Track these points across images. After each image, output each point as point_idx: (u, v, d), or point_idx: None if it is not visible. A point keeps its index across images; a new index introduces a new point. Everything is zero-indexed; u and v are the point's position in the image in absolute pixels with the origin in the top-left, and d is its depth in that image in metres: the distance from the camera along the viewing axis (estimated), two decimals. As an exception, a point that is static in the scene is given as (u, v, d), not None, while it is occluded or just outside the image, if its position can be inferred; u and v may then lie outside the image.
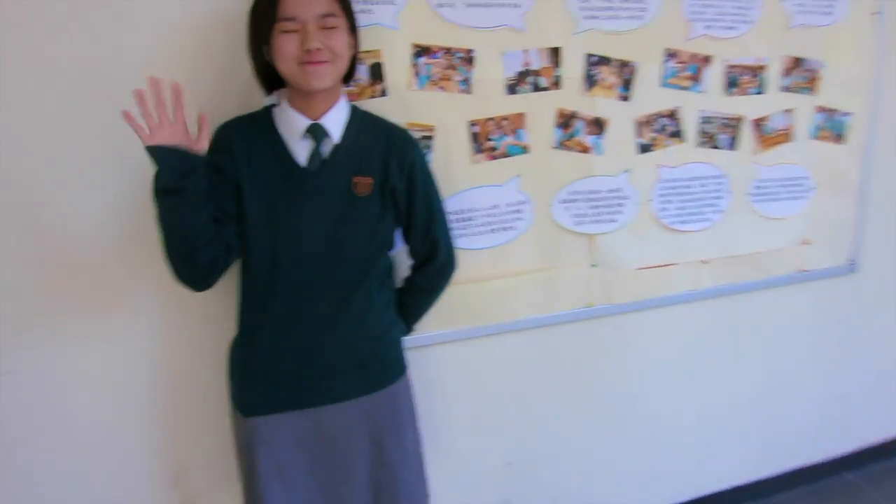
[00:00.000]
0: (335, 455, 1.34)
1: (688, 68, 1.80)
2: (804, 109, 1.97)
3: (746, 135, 1.91)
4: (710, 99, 1.84)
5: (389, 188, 1.36)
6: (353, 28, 1.32)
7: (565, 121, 1.70)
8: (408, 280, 1.51)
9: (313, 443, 1.33)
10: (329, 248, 1.31)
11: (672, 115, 1.81)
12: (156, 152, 1.13)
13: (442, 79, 1.57)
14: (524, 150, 1.68)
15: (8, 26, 1.27)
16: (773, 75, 1.90)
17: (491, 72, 1.61)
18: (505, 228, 1.70)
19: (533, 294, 1.76)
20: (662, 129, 1.80)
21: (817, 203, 2.04)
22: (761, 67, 1.88)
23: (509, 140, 1.66)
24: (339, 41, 1.27)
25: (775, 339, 2.12)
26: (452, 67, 1.58)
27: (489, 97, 1.62)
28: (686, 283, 1.91)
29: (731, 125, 1.88)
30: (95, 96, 1.33)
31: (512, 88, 1.63)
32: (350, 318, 1.34)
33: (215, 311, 1.47)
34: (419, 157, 1.41)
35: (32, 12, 1.28)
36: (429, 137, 1.59)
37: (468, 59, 1.58)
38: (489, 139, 1.64)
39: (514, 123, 1.66)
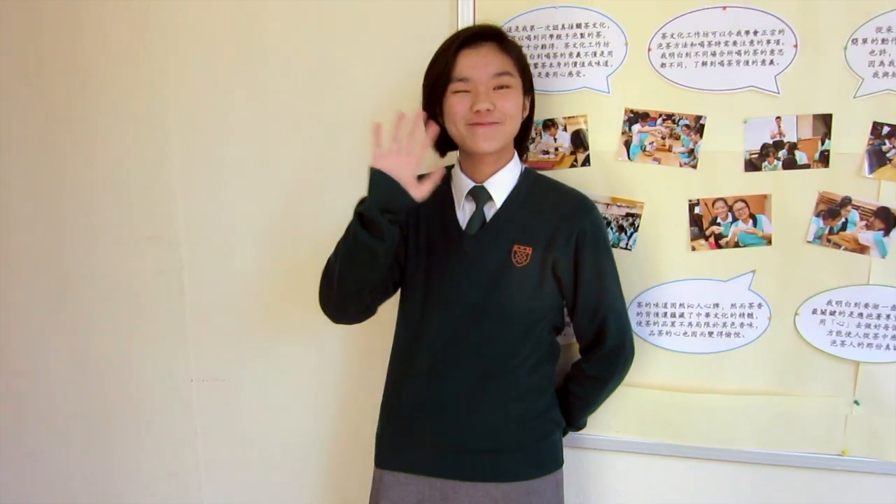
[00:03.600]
0: None
1: None
2: None
3: None
4: None
5: (552, 260, 1.22)
6: (528, 89, 1.24)
7: (831, 209, 1.30)
8: (574, 366, 1.33)
9: None
10: (477, 317, 1.24)
11: None
12: (376, 175, 1.12)
13: (659, 149, 1.35)
14: (764, 240, 1.33)
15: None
16: None
17: (726, 142, 1.32)
18: (728, 334, 1.37)
19: (760, 422, 1.37)
20: None
21: None
22: None
23: (743, 227, 1.34)
24: (511, 102, 1.20)
25: None
26: (674, 137, 1.34)
27: (720, 173, 1.33)
28: None
29: None
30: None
31: (754, 164, 1.32)
32: (492, 395, 1.24)
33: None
34: (592, 225, 1.24)
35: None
36: (634, 215, 1.37)
37: (697, 127, 1.33)
38: (716, 223, 1.34)
39: (753, 207, 1.33)
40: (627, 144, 1.36)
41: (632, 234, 1.38)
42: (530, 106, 1.27)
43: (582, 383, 1.32)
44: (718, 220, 1.35)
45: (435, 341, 1.26)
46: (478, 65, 1.19)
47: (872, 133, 1.27)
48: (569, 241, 1.23)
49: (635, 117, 1.35)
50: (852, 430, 1.34)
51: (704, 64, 1.31)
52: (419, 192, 1.14)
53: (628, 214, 1.37)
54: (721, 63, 1.30)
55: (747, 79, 1.30)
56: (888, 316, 1.31)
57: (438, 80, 1.21)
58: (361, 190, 1.19)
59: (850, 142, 1.28)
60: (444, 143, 1.30)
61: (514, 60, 1.21)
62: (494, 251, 1.24)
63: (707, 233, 1.35)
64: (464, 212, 1.27)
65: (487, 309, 1.24)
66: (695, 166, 1.34)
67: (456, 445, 1.25)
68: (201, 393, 1.63)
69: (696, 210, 1.35)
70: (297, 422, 1.63)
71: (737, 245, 1.34)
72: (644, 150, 1.36)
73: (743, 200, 1.33)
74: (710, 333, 1.38)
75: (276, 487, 1.67)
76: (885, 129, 1.26)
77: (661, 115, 1.34)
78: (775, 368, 1.36)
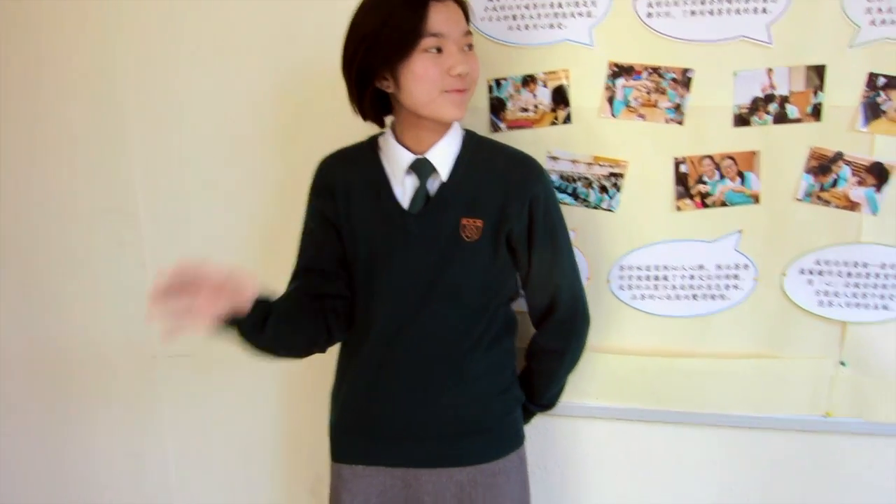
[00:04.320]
0: None
1: None
2: None
3: None
4: None
5: (506, 232, 1.15)
6: None
7: (822, 165, 1.24)
8: (530, 343, 1.27)
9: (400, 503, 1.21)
10: (428, 300, 1.15)
11: None
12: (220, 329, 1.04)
13: (644, 105, 1.27)
14: (752, 199, 1.28)
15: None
16: None
17: (715, 97, 1.25)
18: (712, 296, 1.32)
19: (745, 386, 1.34)
20: None
21: None
22: None
23: (731, 185, 1.28)
24: (478, 65, 1.11)
25: None
26: (660, 91, 1.26)
27: (708, 129, 1.26)
28: None
29: None
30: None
31: (743, 119, 1.25)
32: (449, 378, 1.17)
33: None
34: (544, 190, 1.17)
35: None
36: (618, 175, 1.30)
37: (683, 81, 1.25)
38: (702, 182, 1.28)
39: (742, 164, 1.27)
40: (611, 100, 1.28)
41: (614, 194, 1.31)
42: None
43: (539, 358, 1.27)
44: (705, 179, 1.28)
45: (385, 328, 1.17)
46: (451, 19, 1.07)
47: (868, 85, 1.20)
48: (522, 210, 1.14)
49: (619, 71, 1.27)
50: (838, 391, 1.32)
51: (693, 13, 1.22)
52: (237, 301, 1.02)
53: (611, 174, 1.30)
54: (710, 12, 1.22)
55: (738, 28, 1.21)
56: (877, 275, 1.27)
57: (404, 35, 1.04)
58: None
59: (843, 94, 1.21)
60: (382, 110, 1.17)
61: (467, 18, 1.12)
62: (442, 228, 1.14)
63: (693, 192, 1.29)
64: (404, 188, 1.16)
65: (438, 290, 1.15)
66: (681, 122, 1.26)
67: (415, 433, 1.19)
68: (166, 369, 1.56)
69: (682, 168, 1.28)
70: (267, 399, 1.56)
71: (723, 204, 1.29)
72: (628, 106, 1.28)
73: (731, 157, 1.27)
74: (695, 296, 1.33)
75: (247, 468, 1.61)
76: (881, 81, 1.20)
77: (646, 69, 1.26)
78: (761, 331, 1.32)
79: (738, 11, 1.21)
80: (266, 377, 1.55)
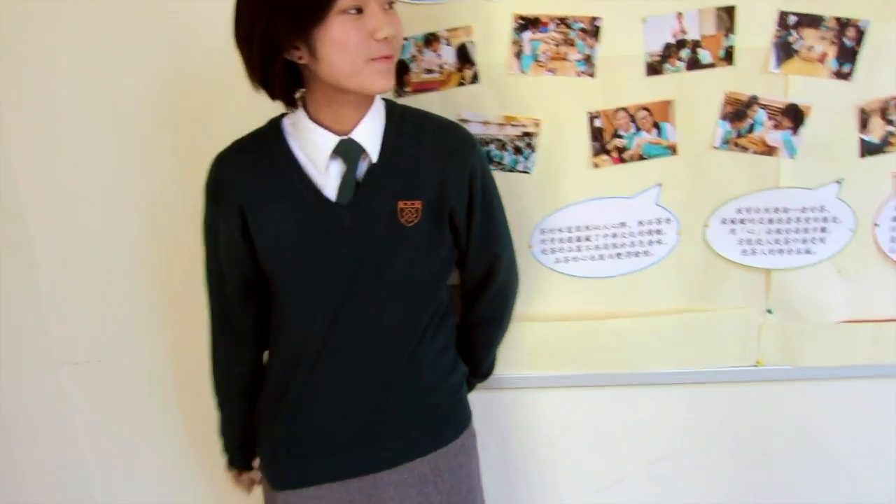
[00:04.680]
0: None
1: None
2: None
3: None
4: None
5: (448, 210, 1.05)
6: None
7: (738, 110, 1.21)
8: (465, 315, 1.21)
9: None
10: (371, 296, 1.04)
11: (926, 101, 1.18)
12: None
13: (553, 58, 1.21)
14: (669, 150, 1.23)
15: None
16: None
17: (625, 45, 1.19)
18: (636, 254, 1.29)
19: (675, 342, 1.32)
20: (906, 122, 1.19)
21: None
22: None
23: (647, 137, 1.23)
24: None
25: None
26: (569, 43, 1.20)
27: (621, 80, 1.20)
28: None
29: None
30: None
31: (655, 67, 1.19)
32: (401, 372, 1.08)
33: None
34: (480, 159, 1.08)
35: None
36: (530, 134, 1.24)
37: (592, 30, 1.19)
38: (618, 136, 1.23)
39: (657, 115, 1.22)
40: (518, 55, 1.21)
41: (529, 155, 1.25)
42: None
43: (478, 328, 1.21)
44: (620, 133, 1.23)
45: (327, 338, 1.05)
46: None
47: (779, 24, 1.16)
48: (462, 184, 1.05)
49: (525, 24, 1.20)
50: (766, 339, 1.31)
51: (597, -43, 1.16)
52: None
53: (524, 134, 1.24)
54: (615, -45, 1.16)
55: (635, -27, 1.16)
56: (798, 219, 1.25)
57: None
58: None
59: (755, 35, 1.17)
60: (292, 86, 0.99)
61: None
62: (378, 216, 1.01)
63: (609, 147, 1.24)
64: (327, 176, 1.01)
65: (383, 286, 1.04)
66: (593, 75, 1.20)
67: (371, 436, 1.09)
68: (75, 377, 1.45)
69: (597, 123, 1.23)
70: (193, 404, 1.46)
71: (641, 158, 1.24)
72: (537, 61, 1.21)
73: (646, 108, 1.22)
74: (619, 255, 1.29)
75: (177, 479, 1.53)
76: (793, 19, 1.16)
77: (553, 20, 1.19)
78: (687, 285, 1.30)
79: (642, -46, 1.16)
80: (189, 378, 1.47)
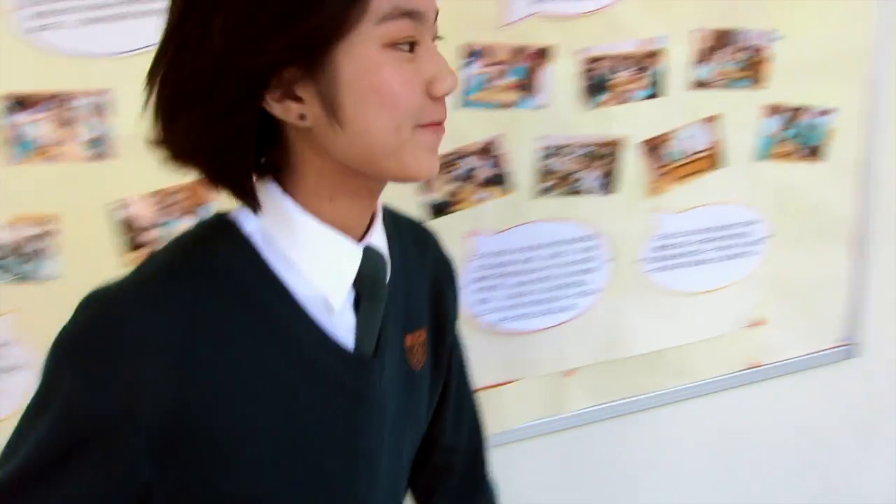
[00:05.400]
0: None
1: (508, 73, 1.10)
2: (742, 113, 1.21)
3: (633, 167, 1.18)
4: (556, 117, 1.13)
5: (448, 340, 0.75)
6: None
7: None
8: None
9: None
10: (396, 486, 0.70)
11: (486, 152, 1.12)
12: None
13: (57, 144, 1.00)
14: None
15: None
16: (678, 64, 1.16)
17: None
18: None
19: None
20: (468, 177, 1.13)
21: (775, 260, 1.28)
22: (652, 54, 1.14)
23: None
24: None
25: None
26: (72, 123, 1.00)
27: (145, 160, 1.02)
28: (537, 408, 1.23)
29: (602, 155, 1.17)
30: None
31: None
32: None
33: None
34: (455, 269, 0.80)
35: None
36: (49, 234, 1.02)
37: (105, 104, 0.99)
38: (161, 225, 1.05)
39: (196, 197, 1.05)
40: (15, 142, 0.99)
41: (49, 260, 1.03)
42: None
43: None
44: (166, 221, 1.06)
45: None
46: None
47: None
48: (454, 303, 0.77)
49: (19, 105, 0.98)
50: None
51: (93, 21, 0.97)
52: None
53: (36, 236, 1.02)
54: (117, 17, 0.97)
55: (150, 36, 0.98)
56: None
57: (345, 9, 0.50)
58: None
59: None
60: (255, 162, 0.59)
61: None
62: (394, 363, 0.65)
63: (146, 239, 1.06)
64: (340, 317, 0.60)
65: (403, 466, 0.70)
66: (107, 156, 1.01)
67: None
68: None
69: (129, 212, 1.04)
70: None
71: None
72: (38, 149, 1.00)
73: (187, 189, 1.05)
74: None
75: None
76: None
77: (50, 98, 0.99)
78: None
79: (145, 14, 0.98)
80: None
